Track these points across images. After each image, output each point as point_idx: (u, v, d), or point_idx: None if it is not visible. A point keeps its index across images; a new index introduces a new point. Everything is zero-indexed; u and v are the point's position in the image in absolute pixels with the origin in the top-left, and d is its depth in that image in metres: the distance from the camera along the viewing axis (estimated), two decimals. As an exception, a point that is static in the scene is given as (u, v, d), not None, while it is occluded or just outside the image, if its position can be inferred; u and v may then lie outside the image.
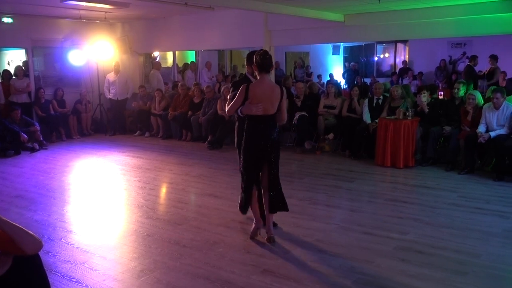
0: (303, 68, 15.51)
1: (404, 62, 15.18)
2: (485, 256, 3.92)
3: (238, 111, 4.27)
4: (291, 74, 14.94)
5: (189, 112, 10.10)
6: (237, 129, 4.66)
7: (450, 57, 13.74)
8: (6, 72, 10.49)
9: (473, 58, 11.24)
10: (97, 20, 11.06)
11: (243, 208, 4.49)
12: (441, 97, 7.97)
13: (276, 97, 4.20)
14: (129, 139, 10.58)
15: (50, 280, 2.54)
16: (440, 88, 11.02)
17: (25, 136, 8.95)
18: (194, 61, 13.94)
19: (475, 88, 9.22)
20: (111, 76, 11.26)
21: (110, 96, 11.26)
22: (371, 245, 4.20)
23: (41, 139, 9.41)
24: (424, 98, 7.48)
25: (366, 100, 8.06)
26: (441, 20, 8.01)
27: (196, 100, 10.21)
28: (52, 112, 10.49)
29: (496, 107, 6.58)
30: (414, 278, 3.53)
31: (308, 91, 9.13)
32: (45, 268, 2.48)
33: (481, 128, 6.62)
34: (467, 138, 6.68)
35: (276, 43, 10.04)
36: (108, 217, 5.29)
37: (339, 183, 6.43)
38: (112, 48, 11.24)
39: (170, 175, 7.24)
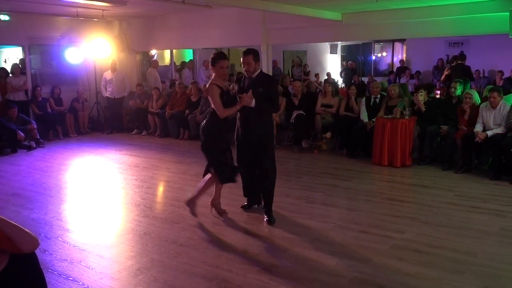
0: (300, 66, 15.51)
1: (401, 61, 15.21)
2: (482, 255, 3.93)
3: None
4: (288, 73, 14.95)
5: (187, 111, 10.08)
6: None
7: (448, 56, 13.77)
8: (3, 70, 10.41)
9: (463, 57, 11.31)
10: (95, 18, 11.01)
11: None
12: (438, 96, 7.99)
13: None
14: (126, 138, 10.55)
15: (46, 278, 2.53)
16: (437, 87, 11.04)
17: (22, 134, 8.93)
18: (192, 59, 13.93)
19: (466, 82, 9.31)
20: (108, 74, 11.21)
21: (107, 94, 11.21)
22: (368, 244, 4.20)
23: (38, 137, 9.38)
24: (421, 97, 7.49)
25: (364, 99, 8.06)
26: (439, 19, 8.04)
27: (194, 99, 10.19)
28: (49, 110, 10.44)
29: (493, 106, 6.59)
30: (411, 277, 3.54)
31: (305, 90, 9.13)
32: (41, 267, 2.47)
33: (478, 127, 6.63)
34: (464, 137, 6.69)
35: (273, 41, 10.05)
36: (105, 216, 5.28)
37: (337, 182, 6.43)
38: (110, 46, 11.20)
39: (167, 174, 7.23)
